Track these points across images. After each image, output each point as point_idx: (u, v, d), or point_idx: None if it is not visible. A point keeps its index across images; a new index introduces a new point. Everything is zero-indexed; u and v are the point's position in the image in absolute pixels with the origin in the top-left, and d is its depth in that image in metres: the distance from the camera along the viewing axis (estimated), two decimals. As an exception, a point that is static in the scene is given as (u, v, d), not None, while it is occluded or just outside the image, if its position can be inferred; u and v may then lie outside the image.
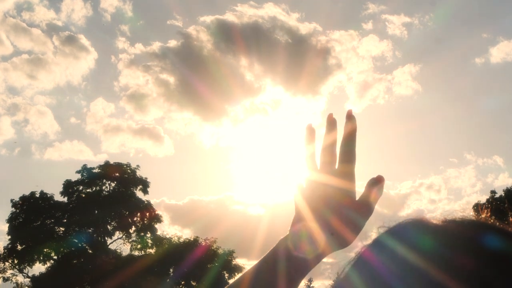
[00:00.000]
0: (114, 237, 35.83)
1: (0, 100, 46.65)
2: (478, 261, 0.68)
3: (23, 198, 34.89)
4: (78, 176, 35.63)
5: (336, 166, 0.96)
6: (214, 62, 44.23)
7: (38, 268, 42.47)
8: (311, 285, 38.25)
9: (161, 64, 52.41)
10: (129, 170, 35.89)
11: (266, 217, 41.68)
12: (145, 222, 35.72)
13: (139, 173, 36.04)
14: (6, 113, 49.68)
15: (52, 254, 34.16)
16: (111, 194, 35.35)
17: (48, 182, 66.10)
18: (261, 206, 48.40)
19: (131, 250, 35.80)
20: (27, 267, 34.40)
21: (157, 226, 36.21)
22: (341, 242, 0.94)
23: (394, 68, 60.59)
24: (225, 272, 34.41)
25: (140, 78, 55.59)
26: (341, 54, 53.99)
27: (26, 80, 49.88)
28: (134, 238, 35.81)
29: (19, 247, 34.16)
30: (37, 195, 35.10)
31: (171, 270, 34.22)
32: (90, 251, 34.55)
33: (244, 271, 0.99)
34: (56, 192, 35.65)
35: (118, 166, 35.93)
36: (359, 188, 0.96)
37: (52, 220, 35.00)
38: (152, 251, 35.24)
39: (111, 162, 36.35)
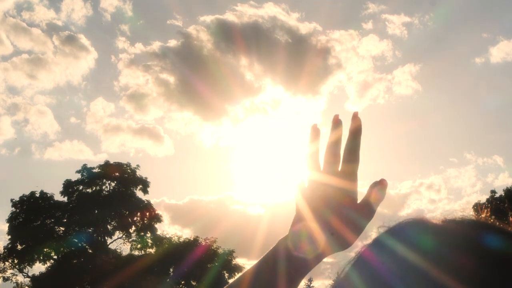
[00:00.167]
0: (114, 237, 35.87)
1: (0, 100, 46.69)
2: (478, 261, 0.67)
3: (23, 198, 34.90)
4: (78, 176, 35.68)
5: (339, 168, 0.96)
6: (214, 61, 44.27)
7: (38, 268, 42.64)
8: (311, 285, 38.27)
9: (161, 63, 52.52)
10: (129, 170, 35.89)
11: (266, 217, 41.74)
12: (145, 221, 35.73)
13: (139, 172, 36.09)
14: (6, 113, 49.76)
15: (52, 254, 34.16)
16: (111, 194, 35.35)
17: (48, 182, 66.15)
18: (261, 206, 48.47)
19: (131, 250, 35.84)
20: (27, 266, 34.43)
21: (157, 226, 36.27)
22: (341, 243, 0.94)
23: (394, 68, 60.68)
24: (225, 272, 34.42)
25: (140, 78, 55.63)
26: (341, 54, 54.06)
27: (26, 80, 49.95)
28: (134, 238, 35.83)
29: (19, 247, 34.17)
30: (37, 195, 35.11)
31: (171, 269, 34.22)
32: (90, 251, 34.55)
33: (244, 271, 0.99)
34: (56, 192, 35.71)
35: (118, 166, 35.93)
36: (360, 188, 0.96)
37: (52, 220, 35.00)
38: (152, 250, 35.25)
39: (111, 162, 36.39)
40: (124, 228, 35.51)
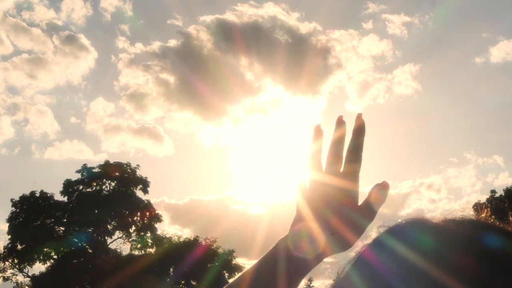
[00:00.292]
0: (114, 237, 35.87)
1: (0, 99, 46.68)
2: (478, 261, 0.67)
3: (23, 197, 34.89)
4: (78, 175, 35.68)
5: (341, 168, 0.96)
6: (214, 61, 44.28)
7: (38, 267, 42.63)
8: (311, 285, 38.25)
9: (161, 63, 52.57)
10: (129, 170, 35.89)
11: (266, 216, 41.74)
12: (145, 221, 35.72)
13: (139, 172, 36.09)
14: (6, 113, 49.76)
15: (52, 254, 34.16)
16: (111, 193, 35.35)
17: (48, 182, 66.08)
18: (261, 206, 48.48)
19: (131, 250, 35.84)
20: (27, 266, 34.43)
21: (157, 225, 36.27)
22: (342, 243, 0.93)
23: (394, 68, 60.68)
24: (225, 271, 34.41)
25: (140, 78, 55.66)
26: (341, 53, 54.08)
27: (26, 79, 50.06)
28: (134, 238, 35.83)
29: (19, 247, 34.16)
30: (37, 195, 35.11)
31: (171, 269, 34.23)
32: (90, 251, 34.55)
33: (244, 270, 0.99)
34: (56, 191, 35.72)
35: (118, 165, 35.93)
36: (360, 188, 0.96)
37: (52, 220, 35.00)
38: (152, 250, 35.24)
39: (111, 161, 36.39)
40: (124, 228, 35.51)
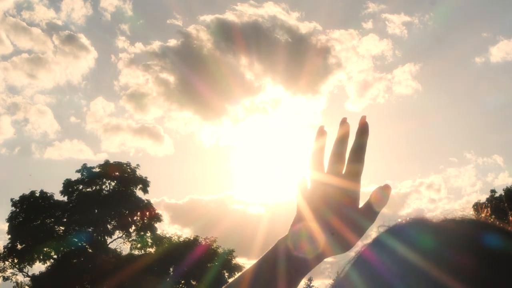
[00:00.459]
0: (114, 236, 35.87)
1: (0, 99, 46.68)
2: (478, 260, 0.67)
3: (23, 197, 34.89)
4: (78, 175, 35.67)
5: (344, 169, 0.95)
6: (214, 61, 44.26)
7: (38, 267, 42.57)
8: (311, 284, 38.27)
9: (161, 63, 52.61)
10: (129, 169, 35.89)
11: (266, 216, 41.72)
12: (145, 221, 35.72)
13: (139, 172, 36.09)
14: (6, 113, 49.70)
15: (52, 253, 34.16)
16: (111, 193, 35.35)
17: (48, 182, 66.09)
18: (261, 205, 48.49)
19: (131, 249, 35.84)
20: (27, 266, 34.42)
21: (157, 225, 36.26)
22: (342, 243, 0.93)
23: (394, 67, 60.58)
24: (225, 271, 34.41)
25: (140, 77, 55.68)
26: (341, 53, 54.10)
27: (26, 79, 50.08)
28: (134, 237, 35.83)
29: (19, 246, 34.16)
30: (37, 195, 35.11)
31: (171, 269, 34.22)
32: (90, 250, 34.55)
33: (243, 270, 0.99)
34: (56, 191, 35.72)
35: (118, 165, 35.93)
36: (360, 188, 0.96)
37: (52, 219, 34.99)
38: (152, 250, 35.24)
39: (111, 161, 36.39)
40: (124, 227, 35.51)
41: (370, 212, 0.93)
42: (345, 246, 0.93)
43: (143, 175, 36.09)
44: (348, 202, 0.94)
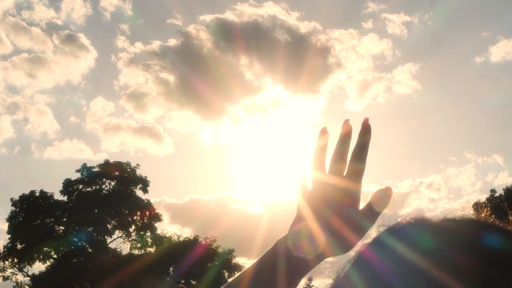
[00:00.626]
0: (114, 236, 35.88)
1: (0, 99, 46.67)
2: (478, 260, 0.67)
3: (22, 197, 34.89)
4: (78, 175, 35.68)
5: (346, 169, 0.95)
6: (214, 61, 44.25)
7: (38, 267, 42.51)
8: (311, 284, 38.28)
9: (161, 63, 52.56)
10: (129, 169, 35.89)
11: (266, 216, 41.74)
12: (145, 221, 35.73)
13: (139, 172, 36.09)
14: (6, 112, 49.73)
15: (52, 253, 34.16)
16: (111, 193, 35.35)
17: (48, 181, 66.07)
18: (261, 205, 48.47)
19: (131, 249, 35.85)
20: (27, 266, 34.43)
21: (157, 225, 36.26)
22: (342, 244, 0.93)
23: (394, 67, 60.46)
24: (225, 271, 34.42)
25: (140, 77, 55.68)
26: (341, 53, 54.09)
27: (26, 79, 50.10)
28: (134, 237, 35.84)
29: (19, 246, 34.17)
30: (37, 194, 35.11)
31: (171, 269, 34.23)
32: (90, 250, 34.55)
33: (242, 270, 0.99)
34: (56, 191, 35.72)
35: (118, 165, 35.94)
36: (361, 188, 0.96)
37: (52, 219, 35.00)
38: (152, 250, 35.25)
39: (111, 161, 36.40)
40: (124, 227, 35.51)
41: (371, 212, 0.93)
42: (346, 246, 0.93)
43: (143, 175, 36.14)
44: (348, 202, 0.93)
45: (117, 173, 35.57)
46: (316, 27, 50.99)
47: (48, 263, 34.34)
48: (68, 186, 35.32)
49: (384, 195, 0.94)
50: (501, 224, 0.76)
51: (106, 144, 54.42)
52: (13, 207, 34.77)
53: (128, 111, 58.27)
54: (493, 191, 35.24)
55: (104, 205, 34.34)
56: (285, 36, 47.58)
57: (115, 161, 36.29)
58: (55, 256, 34.28)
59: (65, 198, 35.38)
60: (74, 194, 35.27)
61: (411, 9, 71.43)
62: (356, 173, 0.94)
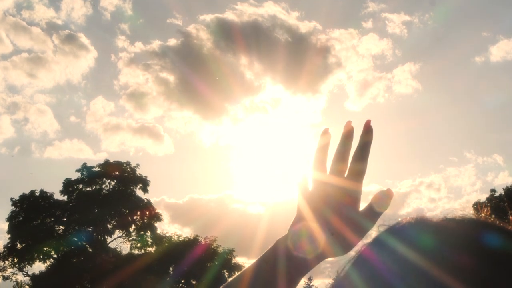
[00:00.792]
0: (114, 236, 35.89)
1: (0, 98, 46.68)
2: (478, 260, 0.67)
3: (23, 196, 34.90)
4: (78, 174, 35.70)
5: (347, 170, 0.95)
6: (214, 60, 44.26)
7: (38, 266, 42.59)
8: (311, 284, 38.28)
9: (161, 62, 52.51)
10: (129, 169, 35.90)
11: (266, 215, 41.76)
12: (145, 220, 35.74)
13: (139, 171, 36.10)
14: (6, 112, 49.72)
15: (52, 253, 34.17)
16: (111, 192, 35.36)
17: (48, 181, 66.09)
18: (261, 205, 48.46)
19: (131, 249, 35.85)
20: (27, 265, 34.44)
21: (157, 224, 36.27)
22: (342, 243, 0.93)
23: (394, 67, 60.43)
24: (225, 270, 34.43)
25: (140, 77, 55.63)
26: (341, 52, 54.08)
27: (26, 78, 50.09)
28: (134, 237, 35.85)
29: (19, 246, 34.17)
30: (37, 194, 35.12)
31: (171, 268, 34.23)
32: (90, 250, 34.56)
33: (242, 270, 0.99)
34: (56, 190, 35.73)
35: (118, 164, 35.95)
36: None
37: (52, 219, 35.00)
38: (152, 249, 35.26)
39: (111, 160, 36.41)
40: (124, 227, 35.52)
41: (372, 213, 0.93)
42: (346, 246, 0.92)
43: (143, 175, 36.15)
44: (348, 202, 0.93)
45: (117, 173, 35.58)
46: (316, 27, 51.05)
47: (48, 262, 34.36)
48: (68, 186, 35.33)
49: (385, 196, 0.94)
50: (501, 224, 0.76)
51: (106, 144, 54.45)
52: (13, 207, 34.81)
53: (128, 111, 58.39)
54: (493, 191, 35.27)
55: (104, 205, 34.35)
56: (285, 36, 47.63)
57: (115, 161, 36.33)
58: (55, 255, 34.28)
59: (65, 198, 35.42)
60: (74, 194, 35.28)
61: (411, 9, 71.39)
62: (358, 174, 0.94)
